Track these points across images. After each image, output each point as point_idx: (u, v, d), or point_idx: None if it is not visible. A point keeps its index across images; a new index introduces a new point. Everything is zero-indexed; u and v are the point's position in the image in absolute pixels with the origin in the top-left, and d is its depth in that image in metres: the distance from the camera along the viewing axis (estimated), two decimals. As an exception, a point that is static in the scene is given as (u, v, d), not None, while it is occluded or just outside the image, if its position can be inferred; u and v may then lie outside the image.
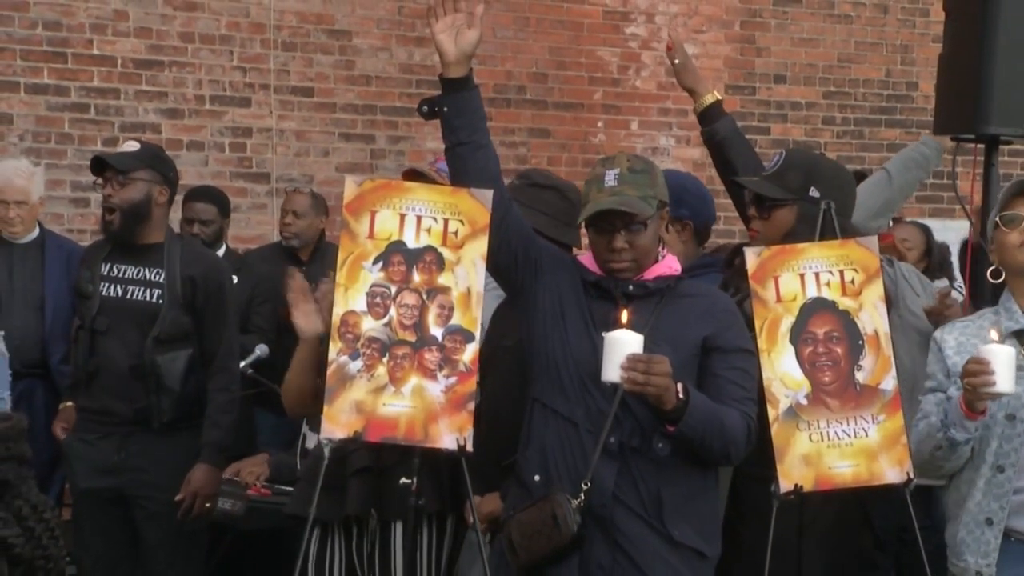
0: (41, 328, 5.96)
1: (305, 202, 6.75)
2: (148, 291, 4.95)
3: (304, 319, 4.16)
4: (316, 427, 4.17)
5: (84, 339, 4.96)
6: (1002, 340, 3.61)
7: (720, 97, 4.62)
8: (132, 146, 5.12)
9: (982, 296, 4.60)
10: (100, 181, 4.99)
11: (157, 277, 4.95)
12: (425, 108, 3.62)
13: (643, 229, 3.50)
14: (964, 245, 5.46)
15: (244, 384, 5.42)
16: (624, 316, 3.34)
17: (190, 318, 4.97)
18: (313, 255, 6.71)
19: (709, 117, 4.55)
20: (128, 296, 4.95)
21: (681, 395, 3.31)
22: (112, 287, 4.96)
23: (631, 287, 3.52)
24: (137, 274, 4.96)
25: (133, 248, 4.98)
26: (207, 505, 4.89)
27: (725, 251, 4.57)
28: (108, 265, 4.99)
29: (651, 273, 3.56)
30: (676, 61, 4.64)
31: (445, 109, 3.56)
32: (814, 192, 4.00)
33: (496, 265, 3.62)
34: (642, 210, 3.48)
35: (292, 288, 4.18)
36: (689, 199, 4.44)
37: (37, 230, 6.22)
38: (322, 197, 6.95)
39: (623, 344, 3.27)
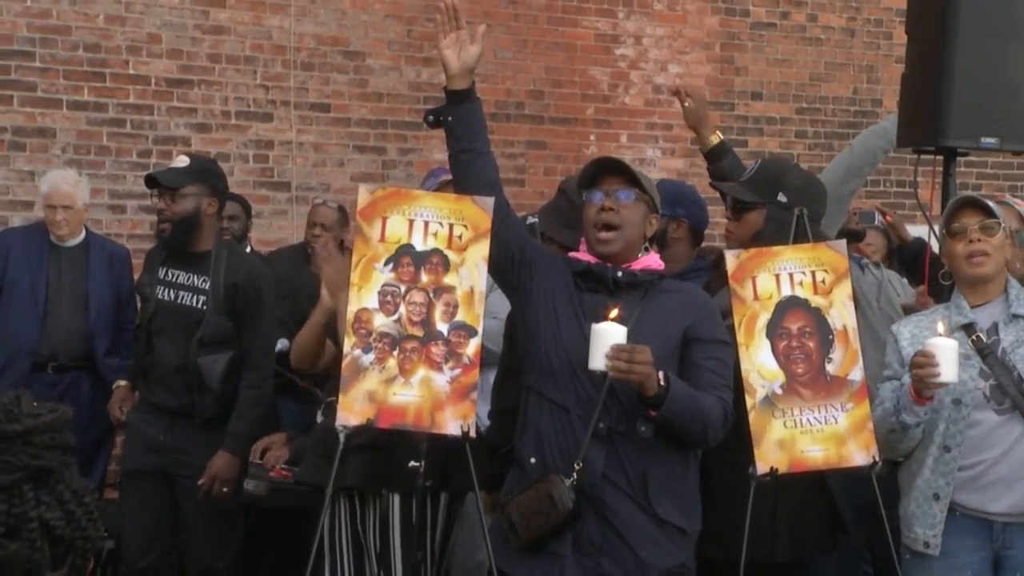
0: (85, 324, 5.96)
1: (332, 216, 6.74)
2: (195, 297, 4.96)
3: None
4: (327, 414, 4.19)
5: (142, 337, 5.02)
6: (950, 334, 3.65)
7: (723, 137, 4.61)
8: (183, 161, 5.09)
9: (941, 294, 4.61)
10: (154, 194, 5.00)
11: (203, 284, 4.96)
12: (431, 118, 3.61)
13: (632, 200, 3.50)
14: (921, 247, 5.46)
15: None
16: (614, 312, 3.33)
17: (232, 323, 4.96)
18: None
19: (715, 156, 4.55)
20: (178, 301, 4.96)
21: (662, 382, 3.30)
22: (166, 291, 4.98)
23: (620, 273, 3.51)
24: (187, 280, 4.98)
25: (186, 255, 4.99)
26: (224, 490, 4.88)
27: (712, 253, 4.58)
28: (164, 270, 5.01)
29: (638, 264, 3.54)
30: (687, 104, 4.61)
31: (449, 119, 3.55)
32: (782, 197, 3.98)
33: (495, 264, 3.61)
34: (638, 176, 3.51)
35: (323, 248, 4.28)
36: (685, 201, 4.50)
37: (83, 234, 6.21)
38: (346, 210, 6.93)
39: (609, 335, 3.27)
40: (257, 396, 4.98)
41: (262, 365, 5.03)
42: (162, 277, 4.99)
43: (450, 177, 4.69)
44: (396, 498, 4.11)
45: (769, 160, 4.44)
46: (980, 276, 3.77)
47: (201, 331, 4.90)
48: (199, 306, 4.94)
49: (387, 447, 4.01)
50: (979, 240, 3.72)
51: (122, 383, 5.43)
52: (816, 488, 3.93)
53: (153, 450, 4.96)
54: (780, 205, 3.97)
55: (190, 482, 4.93)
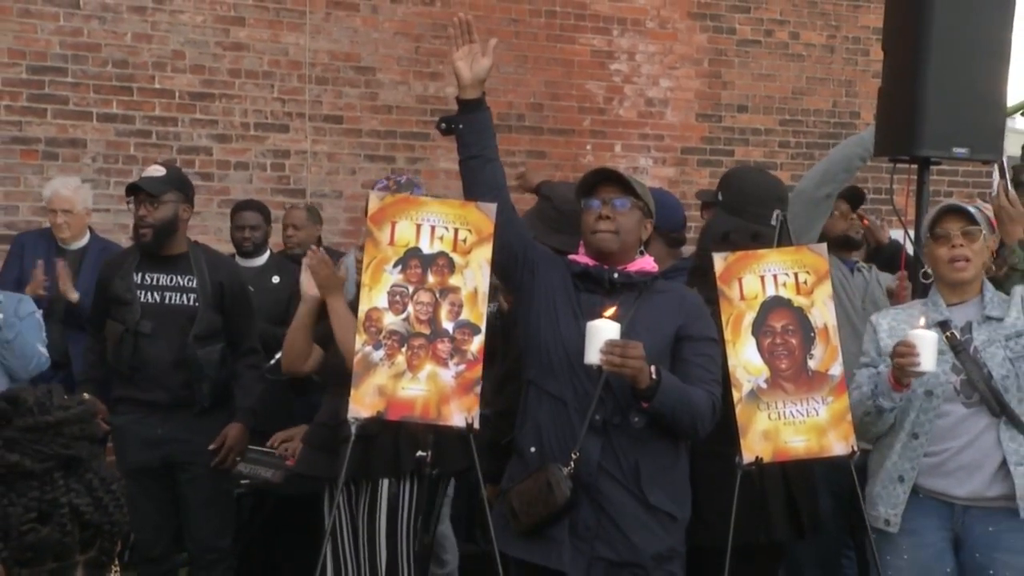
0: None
1: (302, 216, 6.73)
2: (184, 296, 4.93)
3: (309, 281, 4.23)
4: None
5: (128, 340, 4.88)
6: (928, 327, 3.66)
7: None
8: (159, 170, 5.03)
9: (917, 293, 4.62)
10: (131, 201, 4.95)
11: (190, 283, 4.94)
12: (443, 125, 3.60)
13: (627, 208, 3.50)
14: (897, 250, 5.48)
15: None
16: (610, 310, 3.32)
17: (220, 316, 4.98)
18: None
19: None
20: (166, 301, 4.93)
21: (654, 376, 3.30)
22: (149, 294, 4.93)
23: (616, 274, 3.50)
24: (170, 281, 4.94)
25: (161, 259, 4.95)
26: (238, 459, 4.94)
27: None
28: (140, 275, 4.94)
29: (634, 266, 3.54)
30: None
31: (460, 126, 3.55)
32: (720, 197, 4.11)
33: (499, 264, 3.60)
34: (633, 184, 3.51)
35: (313, 256, 4.25)
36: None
37: (87, 238, 6.19)
38: (316, 209, 6.96)
39: (603, 331, 3.26)
40: (259, 375, 5.11)
41: (257, 349, 5.15)
42: (139, 282, 4.93)
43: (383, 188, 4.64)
44: (384, 484, 4.13)
45: (732, 168, 4.54)
46: (961, 280, 3.78)
47: (196, 326, 4.90)
48: (191, 303, 4.92)
49: (372, 437, 4.01)
50: (961, 245, 3.73)
51: (86, 396, 4.97)
52: (782, 480, 3.91)
53: (152, 446, 4.91)
54: (719, 204, 4.10)
55: (192, 468, 4.93)
